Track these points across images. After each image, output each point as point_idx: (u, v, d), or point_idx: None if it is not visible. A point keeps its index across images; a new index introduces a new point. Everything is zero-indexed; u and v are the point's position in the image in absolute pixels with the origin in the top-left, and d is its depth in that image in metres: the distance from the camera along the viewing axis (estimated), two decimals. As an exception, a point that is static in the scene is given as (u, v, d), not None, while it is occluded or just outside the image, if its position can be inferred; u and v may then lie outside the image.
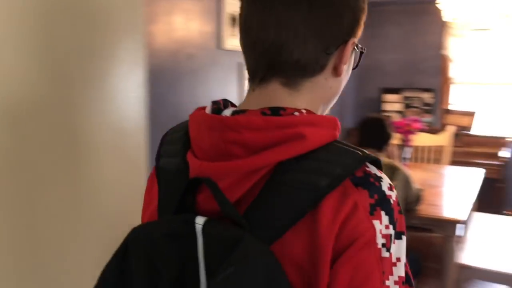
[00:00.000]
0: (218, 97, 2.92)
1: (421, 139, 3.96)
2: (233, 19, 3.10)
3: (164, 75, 2.62)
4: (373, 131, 2.56)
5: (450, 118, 4.87)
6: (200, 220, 0.61)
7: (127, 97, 1.44)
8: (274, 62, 0.68)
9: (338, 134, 0.68)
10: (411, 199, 2.50)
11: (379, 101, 5.14)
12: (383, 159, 2.47)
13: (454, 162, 4.28)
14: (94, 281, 0.66)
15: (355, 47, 0.74)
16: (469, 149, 4.61)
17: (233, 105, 0.73)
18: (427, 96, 4.97)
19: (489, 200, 4.23)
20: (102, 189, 1.39)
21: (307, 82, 0.70)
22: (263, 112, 0.65)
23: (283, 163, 0.62)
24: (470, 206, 2.75)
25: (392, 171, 2.40)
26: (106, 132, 1.39)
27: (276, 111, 0.65)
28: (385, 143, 2.58)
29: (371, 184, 0.63)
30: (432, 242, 3.47)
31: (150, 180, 0.80)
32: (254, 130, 0.63)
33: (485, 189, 3.64)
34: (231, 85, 3.20)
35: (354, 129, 2.64)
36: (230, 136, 0.64)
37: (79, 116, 1.31)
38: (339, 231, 0.60)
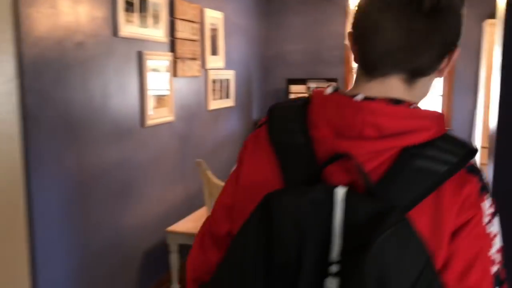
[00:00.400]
0: (115, 90, 2.58)
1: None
2: (129, 3, 2.78)
3: (48, 67, 2.25)
4: None
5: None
6: (340, 190, 0.69)
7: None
8: (401, 62, 0.77)
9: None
10: None
11: (286, 92, 5.05)
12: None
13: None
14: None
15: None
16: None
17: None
18: (332, 86, 4.97)
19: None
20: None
21: (421, 81, 0.80)
22: (387, 102, 0.75)
23: (408, 148, 0.73)
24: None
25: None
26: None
27: (397, 102, 0.76)
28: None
29: (478, 172, 0.76)
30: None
31: (249, 153, 0.86)
32: (390, 116, 0.73)
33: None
34: (130, 76, 2.89)
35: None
36: (368, 119, 0.73)
37: None
38: (458, 211, 0.72)
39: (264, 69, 5.32)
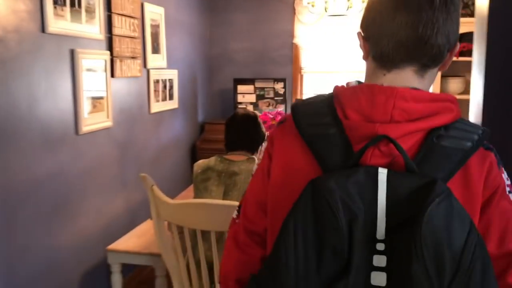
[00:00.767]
0: (44, 93, 2.24)
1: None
2: (58, -5, 2.44)
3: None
4: (245, 131, 2.18)
5: (304, 108, 4.77)
6: (383, 170, 0.76)
7: None
8: (414, 55, 0.85)
9: None
10: None
11: (233, 92, 4.82)
12: (258, 162, 2.11)
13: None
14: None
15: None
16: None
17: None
18: (279, 86, 4.80)
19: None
20: None
21: (430, 72, 0.89)
22: (410, 89, 0.84)
23: (435, 129, 0.82)
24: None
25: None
26: None
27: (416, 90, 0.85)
28: (259, 144, 2.23)
29: (493, 149, 0.87)
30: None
31: (278, 150, 0.93)
32: (417, 100, 0.82)
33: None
34: (62, 77, 2.55)
35: (227, 128, 2.23)
36: (399, 103, 0.81)
37: None
38: (485, 181, 0.83)
39: (209, 68, 5.06)
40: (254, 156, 2.14)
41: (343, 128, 0.84)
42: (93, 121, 2.82)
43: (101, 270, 2.95)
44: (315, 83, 5.05)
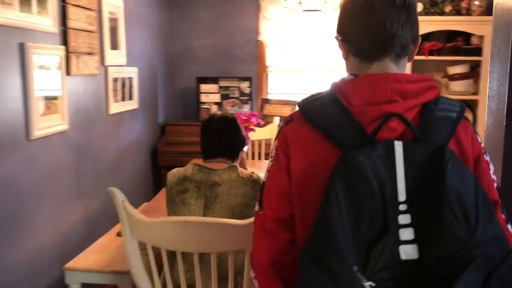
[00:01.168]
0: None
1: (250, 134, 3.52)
2: (6, -20, 2.13)
3: None
4: (224, 136, 1.95)
5: (269, 109, 4.58)
6: (398, 143, 0.90)
7: None
8: (391, 46, 1.03)
9: None
10: None
11: (196, 91, 4.57)
12: (241, 170, 1.89)
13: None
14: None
15: None
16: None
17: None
18: (245, 86, 4.59)
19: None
20: None
21: (403, 61, 1.07)
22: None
23: (426, 104, 0.99)
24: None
25: (254, 186, 1.83)
26: None
27: None
28: (239, 149, 2.01)
29: (469, 119, 1.07)
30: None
31: (294, 144, 1.04)
32: (408, 81, 0.99)
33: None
34: (10, 74, 2.24)
35: (203, 133, 1.99)
36: (396, 86, 0.97)
37: None
38: (471, 145, 1.03)
39: (169, 66, 4.78)
40: (235, 164, 1.92)
41: (352, 114, 0.98)
42: (46, 125, 2.51)
43: (57, 291, 2.64)
44: (281, 82, 4.87)
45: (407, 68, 1.11)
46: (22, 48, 2.29)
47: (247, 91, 4.59)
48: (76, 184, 2.90)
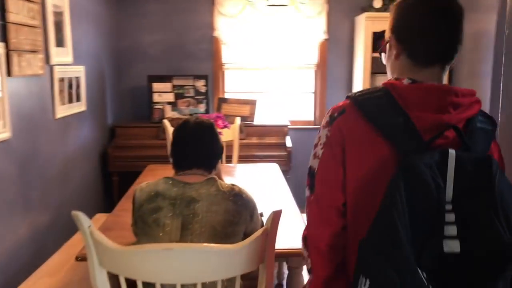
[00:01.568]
0: None
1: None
2: None
3: None
4: (201, 145, 1.74)
5: (227, 108, 4.38)
6: (452, 151, 1.01)
7: None
8: (443, 55, 1.13)
9: None
10: (256, 230, 1.79)
11: (148, 91, 4.29)
12: (220, 183, 1.68)
13: (241, 158, 3.80)
14: None
15: None
16: (257, 140, 4.21)
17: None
18: (200, 84, 4.36)
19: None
20: None
21: (445, 69, 1.15)
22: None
23: (471, 117, 1.10)
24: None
25: (236, 201, 1.63)
26: None
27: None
28: (217, 159, 1.80)
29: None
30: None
31: (348, 136, 1.13)
32: (463, 95, 1.09)
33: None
34: None
35: (175, 140, 1.76)
36: (453, 99, 1.08)
37: None
38: (499, 156, 1.16)
39: (118, 64, 4.47)
40: (214, 176, 1.71)
41: (410, 118, 1.06)
42: (-15, 133, 2.19)
43: (3, 321, 2.34)
44: (239, 80, 4.67)
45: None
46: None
47: (202, 89, 4.37)
48: (21, 197, 2.58)
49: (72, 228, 3.12)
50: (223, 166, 3.26)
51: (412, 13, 1.12)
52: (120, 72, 4.48)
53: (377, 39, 4.17)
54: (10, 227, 2.46)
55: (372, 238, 1.00)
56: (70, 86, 3.26)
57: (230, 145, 3.52)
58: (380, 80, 4.27)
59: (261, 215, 1.85)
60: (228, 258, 1.34)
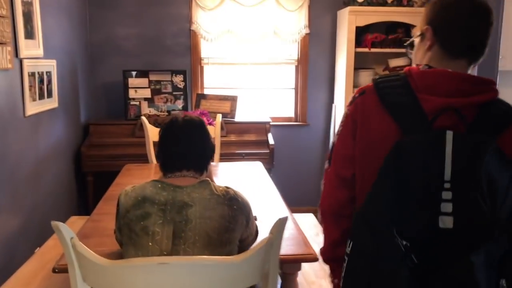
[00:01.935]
0: None
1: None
2: None
3: None
4: (191, 144, 1.59)
5: (206, 104, 4.23)
6: (449, 131, 1.08)
7: None
8: (474, 52, 1.21)
9: None
10: (252, 237, 1.67)
11: (124, 86, 4.09)
12: (214, 186, 1.55)
13: (222, 156, 3.66)
14: None
15: None
16: (238, 138, 4.07)
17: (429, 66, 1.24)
18: (178, 80, 4.19)
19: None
20: None
21: (473, 65, 1.23)
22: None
23: (486, 102, 1.15)
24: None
25: (232, 205, 1.50)
26: None
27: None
28: (209, 160, 1.66)
29: None
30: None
31: (363, 115, 1.24)
32: (473, 83, 1.16)
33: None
34: None
35: (163, 140, 1.61)
36: (461, 84, 1.15)
37: None
38: None
39: (91, 58, 4.25)
40: (207, 178, 1.57)
41: (418, 100, 1.15)
42: (-52, 132, 1.99)
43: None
44: (218, 76, 4.52)
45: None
46: None
47: (180, 85, 4.20)
48: (-11, 203, 2.38)
49: (45, 233, 2.93)
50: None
51: (451, 8, 1.21)
52: (93, 66, 4.27)
53: (361, 33, 4.09)
54: (-23, 234, 2.26)
55: (363, 207, 1.14)
56: (41, 81, 3.05)
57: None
58: (364, 76, 4.19)
59: (255, 218, 1.72)
60: (229, 271, 1.21)
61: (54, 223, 1.20)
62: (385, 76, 1.24)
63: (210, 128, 3.30)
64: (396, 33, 4.16)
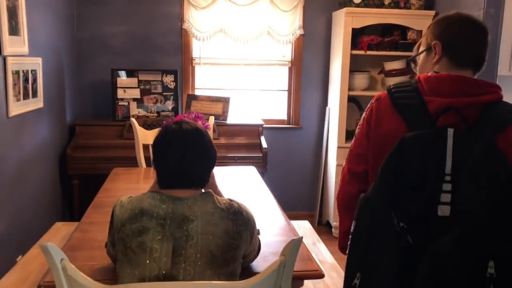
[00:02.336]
0: None
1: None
2: None
3: None
4: (194, 159, 1.44)
5: (197, 106, 4.10)
6: (450, 129, 1.21)
7: None
8: (476, 64, 1.38)
9: None
10: (254, 253, 1.55)
11: (113, 85, 3.95)
12: (217, 198, 1.43)
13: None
14: None
15: None
16: (230, 141, 3.95)
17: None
18: (169, 80, 4.06)
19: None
20: None
21: (476, 74, 1.40)
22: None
23: (487, 103, 1.27)
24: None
25: (236, 219, 1.39)
26: None
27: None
28: (211, 171, 1.53)
29: None
30: None
31: (377, 117, 1.40)
32: (475, 85, 1.30)
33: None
34: None
35: (158, 152, 1.47)
36: (463, 86, 1.29)
37: None
38: None
39: (78, 56, 4.09)
40: (209, 190, 1.45)
41: (424, 101, 1.30)
42: None
43: None
44: (210, 76, 4.40)
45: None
46: None
47: (171, 85, 4.07)
48: (-31, 209, 2.23)
49: (28, 240, 2.78)
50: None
51: (457, 26, 1.39)
52: (80, 65, 4.11)
53: (356, 35, 4.00)
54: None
55: (367, 193, 1.27)
56: (26, 80, 2.90)
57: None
58: (359, 79, 4.10)
59: (258, 232, 1.61)
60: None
61: (42, 245, 1.07)
62: (398, 84, 1.40)
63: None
64: (392, 36, 4.08)
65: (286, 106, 4.51)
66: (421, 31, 3.92)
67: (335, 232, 4.15)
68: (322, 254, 2.69)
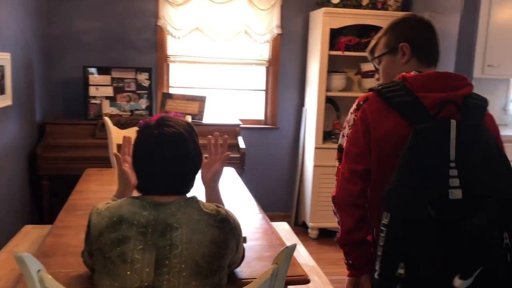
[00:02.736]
0: None
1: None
2: None
3: None
4: (179, 163, 1.37)
5: (172, 105, 4.01)
6: (453, 121, 1.32)
7: None
8: (436, 60, 1.57)
9: None
10: (238, 261, 1.50)
11: (85, 83, 3.82)
12: (203, 204, 1.36)
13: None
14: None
15: None
16: (205, 141, 3.87)
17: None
18: (143, 78, 3.96)
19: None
20: None
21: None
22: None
23: (467, 95, 1.41)
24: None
25: (223, 227, 1.32)
26: None
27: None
28: (194, 177, 1.46)
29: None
30: None
31: (372, 116, 1.45)
32: (458, 79, 1.44)
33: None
34: None
35: (139, 155, 1.39)
36: (449, 81, 1.42)
37: None
38: (494, 126, 1.47)
39: (49, 52, 3.95)
40: (194, 195, 1.38)
41: (418, 98, 1.39)
42: None
43: None
44: (185, 75, 4.31)
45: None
46: None
47: (145, 83, 3.97)
48: None
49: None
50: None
51: (419, 27, 1.56)
52: (51, 61, 3.96)
53: (333, 36, 3.98)
54: None
55: (393, 185, 1.32)
56: (-7, 77, 2.77)
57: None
58: (337, 79, 4.09)
59: (244, 240, 1.55)
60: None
61: (17, 255, 0.99)
62: (384, 84, 1.47)
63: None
64: (369, 37, 4.07)
65: (264, 106, 4.46)
66: (398, 33, 3.93)
67: (312, 233, 4.13)
68: (302, 256, 2.65)
